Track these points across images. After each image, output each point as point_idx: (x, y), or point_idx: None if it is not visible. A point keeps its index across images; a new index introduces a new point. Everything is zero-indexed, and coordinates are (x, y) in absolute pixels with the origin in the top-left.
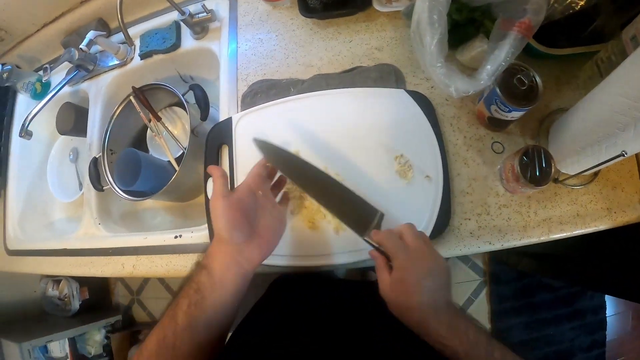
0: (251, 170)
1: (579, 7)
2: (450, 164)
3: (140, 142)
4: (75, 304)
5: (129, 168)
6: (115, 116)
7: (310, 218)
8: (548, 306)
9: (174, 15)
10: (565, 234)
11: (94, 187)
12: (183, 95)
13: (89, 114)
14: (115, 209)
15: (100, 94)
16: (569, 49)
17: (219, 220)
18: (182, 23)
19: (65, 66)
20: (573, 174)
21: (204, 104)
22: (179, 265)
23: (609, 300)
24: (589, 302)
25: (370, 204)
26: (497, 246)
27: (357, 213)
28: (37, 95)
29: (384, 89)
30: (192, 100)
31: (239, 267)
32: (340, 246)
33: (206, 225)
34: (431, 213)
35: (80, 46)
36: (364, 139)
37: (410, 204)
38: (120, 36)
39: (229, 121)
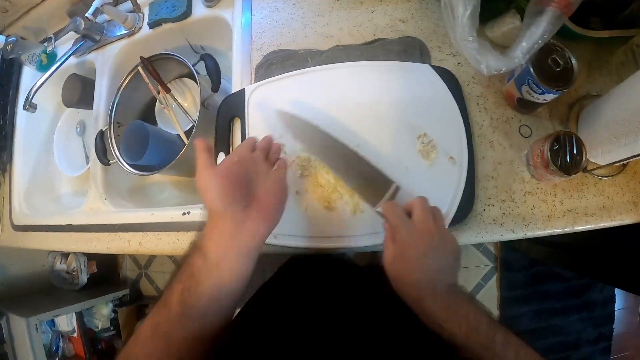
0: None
1: None
2: (475, 146)
3: (148, 114)
4: (83, 278)
5: (137, 141)
6: (122, 88)
7: (326, 197)
8: (558, 296)
9: None
10: (590, 226)
11: (100, 160)
12: (194, 65)
13: (95, 86)
14: (122, 184)
15: (108, 64)
16: (605, 32)
17: (209, 192)
18: None
19: (71, 36)
20: (603, 164)
21: (215, 75)
22: (187, 243)
23: (619, 293)
24: (598, 295)
25: (385, 175)
26: (520, 235)
27: (372, 184)
28: (43, 67)
29: (408, 63)
30: (203, 71)
31: (241, 244)
32: (358, 228)
33: None
34: (454, 197)
35: (86, 14)
36: (385, 115)
37: (432, 186)
38: (128, 4)
39: (241, 93)
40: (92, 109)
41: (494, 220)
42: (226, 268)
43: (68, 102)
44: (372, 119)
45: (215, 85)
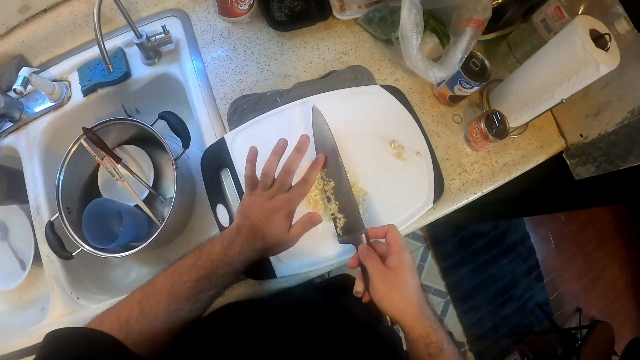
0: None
1: (495, 4)
2: (429, 139)
3: (91, 191)
4: None
5: (107, 221)
6: (64, 166)
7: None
8: (485, 250)
9: (116, 42)
10: (520, 171)
11: (60, 256)
12: (151, 125)
13: (25, 174)
14: (84, 277)
15: (35, 145)
16: (492, 34)
17: (266, 221)
18: (128, 49)
19: None
20: (516, 126)
21: (182, 130)
22: None
23: (530, 229)
24: (515, 235)
25: (361, 219)
26: (479, 194)
27: (353, 219)
28: None
29: (362, 87)
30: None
31: (252, 255)
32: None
33: None
34: (430, 181)
35: (14, 87)
36: (358, 133)
37: (412, 179)
38: (49, 73)
39: (222, 142)
40: (20, 202)
41: (458, 189)
42: (238, 260)
43: None
44: (350, 138)
45: (186, 140)
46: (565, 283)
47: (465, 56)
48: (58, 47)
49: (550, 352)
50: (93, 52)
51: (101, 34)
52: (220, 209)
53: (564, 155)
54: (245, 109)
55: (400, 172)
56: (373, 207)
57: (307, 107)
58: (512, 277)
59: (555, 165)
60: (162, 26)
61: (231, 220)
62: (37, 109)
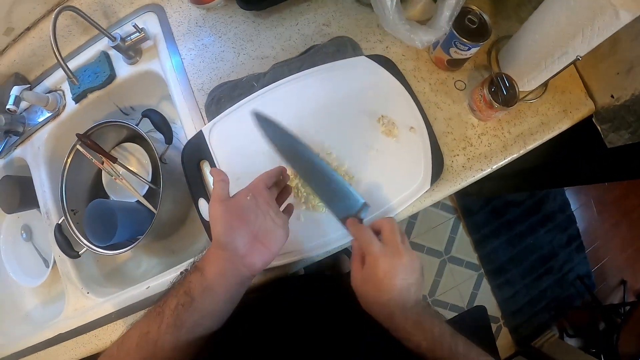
0: (256, 178)
1: None
2: (425, 111)
3: (97, 191)
4: None
5: (103, 221)
6: (66, 172)
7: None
8: (520, 219)
9: (99, 46)
10: (538, 142)
11: (69, 255)
12: (137, 125)
13: (34, 181)
14: (95, 272)
15: (40, 154)
16: None
17: (217, 225)
18: (112, 51)
19: None
20: (531, 89)
21: (165, 127)
22: None
23: (570, 196)
24: (554, 204)
25: (355, 194)
26: (488, 170)
27: (342, 201)
28: None
29: (346, 60)
30: (146, 129)
31: (237, 273)
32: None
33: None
34: (426, 159)
35: (7, 106)
36: (343, 111)
37: (405, 158)
38: (44, 85)
39: (200, 135)
40: (37, 207)
41: (462, 166)
42: (221, 292)
43: (9, 209)
44: (333, 118)
45: (168, 137)
46: (608, 253)
47: (456, 13)
48: (48, 60)
49: (591, 327)
50: (80, 59)
51: (59, 50)
52: (202, 203)
53: (593, 120)
54: (222, 98)
55: (391, 152)
56: (360, 193)
57: (283, 90)
58: (550, 248)
59: (584, 132)
60: (133, 25)
61: None
62: (40, 120)
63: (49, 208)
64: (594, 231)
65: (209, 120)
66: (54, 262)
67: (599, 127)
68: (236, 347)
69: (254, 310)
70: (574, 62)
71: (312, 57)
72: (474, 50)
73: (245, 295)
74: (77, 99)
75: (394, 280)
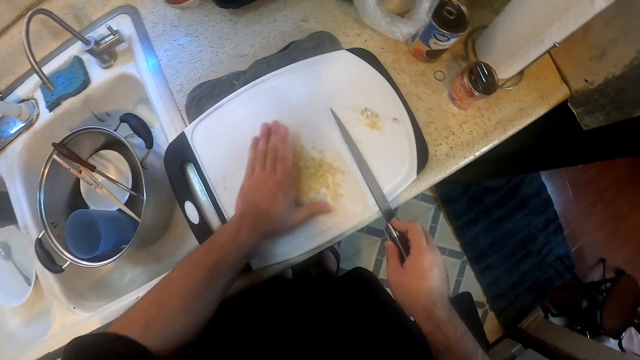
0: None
1: None
2: (407, 102)
3: (76, 202)
4: None
5: (86, 232)
6: (43, 184)
7: (305, 196)
8: (498, 205)
9: (72, 51)
10: (517, 128)
11: (51, 270)
12: (115, 130)
13: (10, 195)
14: (80, 285)
15: (14, 167)
16: None
17: (271, 201)
18: (85, 56)
19: None
20: (508, 77)
21: (144, 131)
22: None
23: (546, 179)
24: (530, 188)
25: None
26: (471, 158)
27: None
28: None
29: (326, 54)
30: (124, 134)
31: (260, 237)
32: (341, 214)
33: None
34: (411, 150)
35: None
36: (324, 107)
37: (391, 150)
38: (16, 95)
39: (182, 137)
40: (15, 222)
41: (446, 155)
42: (248, 244)
43: None
44: (316, 113)
45: (149, 141)
46: (586, 233)
47: (435, 5)
48: (19, 67)
49: (574, 306)
50: (52, 65)
51: (33, 55)
52: (189, 206)
53: (568, 104)
54: (202, 98)
55: (377, 144)
56: (350, 187)
57: (264, 87)
58: (528, 232)
59: (561, 116)
60: (107, 27)
61: (201, 217)
62: (12, 131)
63: (27, 222)
64: (570, 212)
65: (190, 122)
66: (36, 278)
67: (574, 111)
68: (231, 348)
69: (248, 312)
70: (551, 49)
71: (291, 53)
72: (452, 40)
73: (240, 296)
74: (51, 107)
75: (437, 270)
